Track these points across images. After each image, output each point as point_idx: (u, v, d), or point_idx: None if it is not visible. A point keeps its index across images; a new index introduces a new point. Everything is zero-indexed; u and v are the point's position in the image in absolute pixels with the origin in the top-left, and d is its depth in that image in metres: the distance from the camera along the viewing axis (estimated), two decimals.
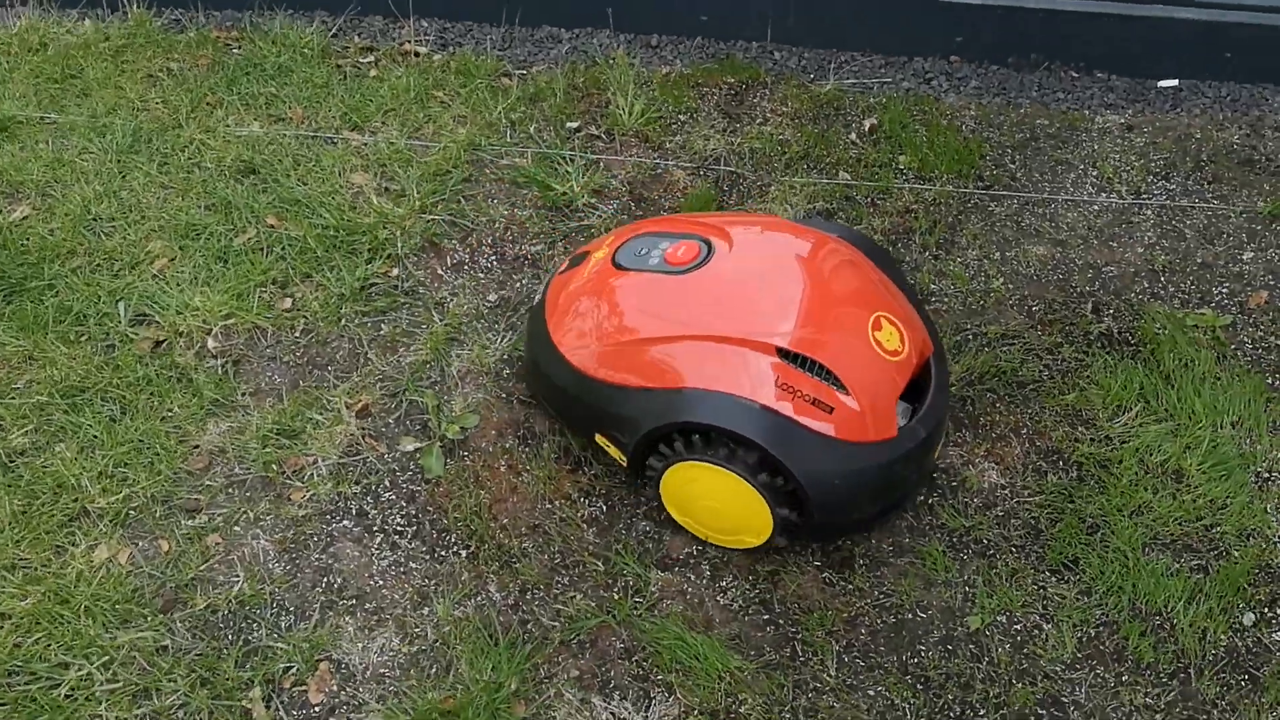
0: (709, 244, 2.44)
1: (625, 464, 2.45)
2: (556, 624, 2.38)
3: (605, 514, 2.56)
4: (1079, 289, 3.05)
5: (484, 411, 2.73)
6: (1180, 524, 2.54)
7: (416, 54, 3.71)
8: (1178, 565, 2.48)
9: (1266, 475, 2.65)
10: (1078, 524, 2.53)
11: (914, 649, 2.35)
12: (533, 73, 3.66)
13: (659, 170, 3.34)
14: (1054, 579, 2.45)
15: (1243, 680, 2.32)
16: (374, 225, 3.10)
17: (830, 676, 2.30)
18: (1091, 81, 3.77)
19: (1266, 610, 2.42)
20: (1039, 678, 2.31)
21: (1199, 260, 3.14)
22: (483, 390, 2.77)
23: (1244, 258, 3.15)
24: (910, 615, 2.39)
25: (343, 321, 2.91)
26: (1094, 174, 3.39)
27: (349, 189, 3.22)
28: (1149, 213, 3.27)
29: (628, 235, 2.58)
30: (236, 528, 2.52)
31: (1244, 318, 2.99)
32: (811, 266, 2.44)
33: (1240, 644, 2.37)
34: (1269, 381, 2.82)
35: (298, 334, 2.89)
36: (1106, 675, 2.31)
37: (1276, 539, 2.53)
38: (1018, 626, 2.39)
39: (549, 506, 2.56)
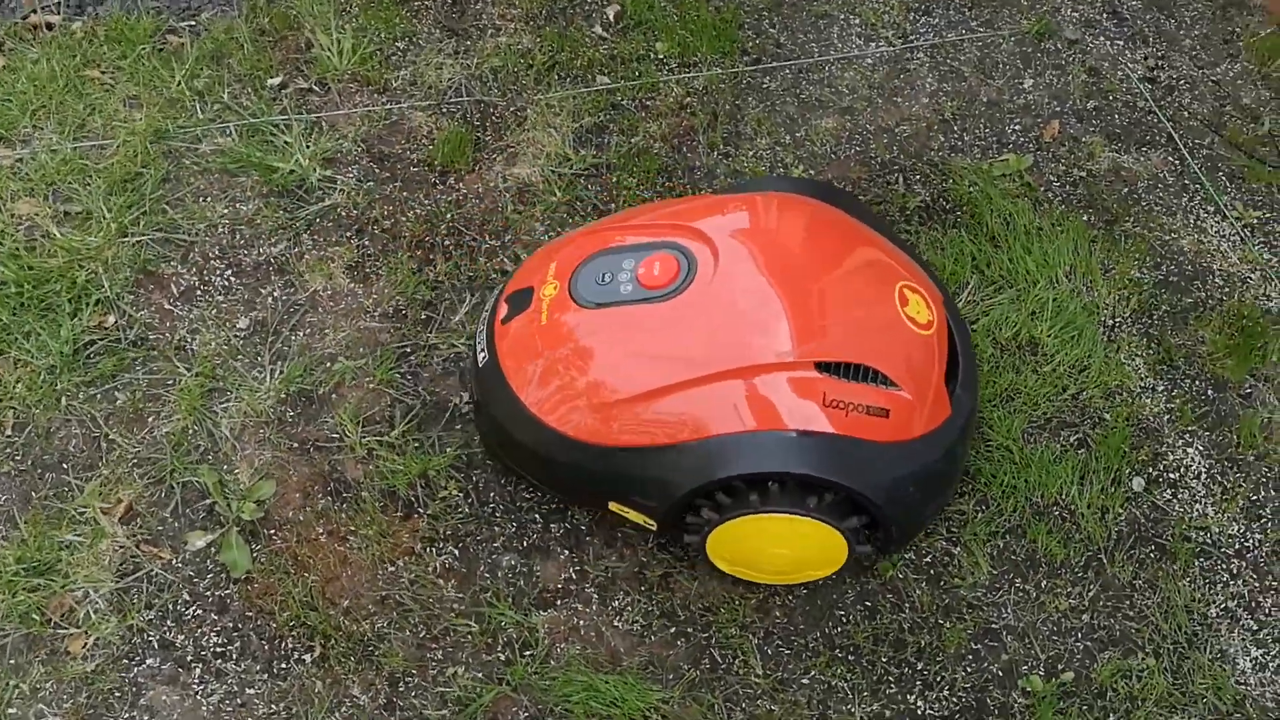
0: (684, 253, 2.00)
1: (655, 529, 2.06)
2: (444, 712, 2.02)
3: (459, 559, 2.19)
4: (880, 159, 2.83)
5: (278, 472, 2.26)
6: (1050, 400, 2.43)
7: (49, 26, 2.96)
8: (1060, 446, 2.37)
9: (1112, 323, 2.57)
10: None
11: (834, 617, 2.15)
12: (204, 22, 3.00)
13: (393, 118, 2.83)
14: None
15: (1151, 552, 2.26)
16: (65, 267, 2.48)
17: (759, 677, 2.08)
18: None
19: (1151, 470, 2.36)
20: (964, 610, 2.17)
21: (984, 99, 2.98)
22: (268, 445, 2.29)
23: (1025, 86, 3.01)
24: (819, 582, 2.19)
25: (63, 401, 2.33)
26: (857, 23, 3.14)
27: (17, 225, 2.55)
28: (922, 56, 3.07)
29: (573, 258, 2.09)
30: (11, 710, 1.99)
31: (1043, 154, 2.87)
32: (811, 250, 2.10)
33: (1139, 513, 2.31)
34: (1085, 219, 2.73)
35: (9, 431, 2.30)
36: (1027, 588, 2.20)
37: (1139, 389, 2.47)
38: (928, 559, 2.23)
39: (392, 569, 2.17)
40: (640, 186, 2.73)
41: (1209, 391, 2.47)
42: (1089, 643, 2.13)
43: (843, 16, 3.16)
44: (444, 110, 2.86)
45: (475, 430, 2.29)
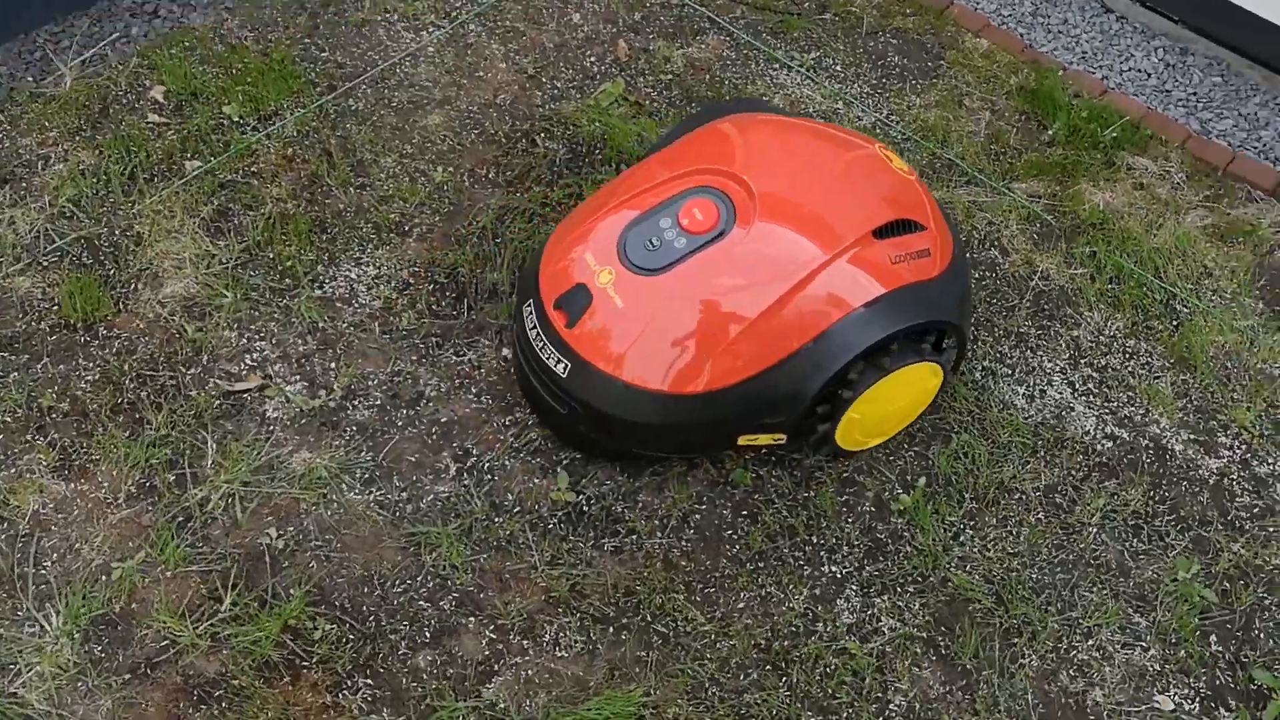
0: (710, 191, 2.10)
1: (784, 441, 2.20)
2: None
3: (376, 685, 2.01)
4: (503, 131, 2.85)
5: (129, 715, 1.92)
6: None
7: None
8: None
9: None
10: None
11: (727, 539, 2.24)
12: None
13: None
14: None
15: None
16: None
17: (705, 623, 2.13)
18: None
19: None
20: (818, 476, 2.35)
21: (551, 45, 3.08)
22: (97, 694, 1.93)
23: (576, 21, 3.16)
24: (695, 510, 2.26)
25: None
26: (397, 19, 3.10)
27: None
28: (474, 26, 3.10)
29: (607, 241, 2.11)
30: None
31: (629, 72, 3.04)
32: (803, 149, 2.27)
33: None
34: (696, 112, 2.95)
35: None
36: None
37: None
38: (764, 453, 2.37)
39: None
40: (303, 251, 2.56)
41: None
42: (918, 448, 2.40)
43: (380, 18, 3.10)
44: (44, 264, 2.47)
45: (570, 442, 2.29)
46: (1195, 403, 2.51)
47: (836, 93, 3.05)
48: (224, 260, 2.52)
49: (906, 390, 2.19)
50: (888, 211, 2.14)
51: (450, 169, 2.77)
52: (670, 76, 3.04)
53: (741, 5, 3.26)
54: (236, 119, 2.79)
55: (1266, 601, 2.22)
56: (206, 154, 2.71)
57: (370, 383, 2.38)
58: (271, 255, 2.55)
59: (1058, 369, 2.54)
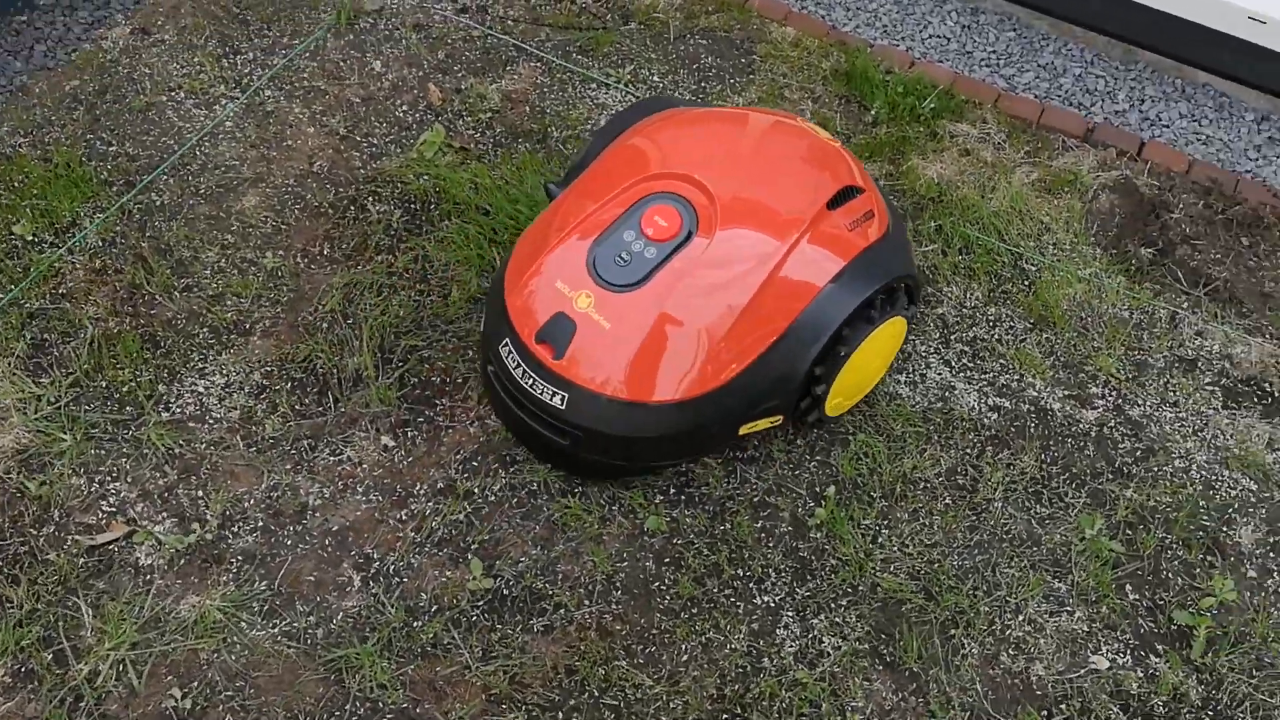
0: (668, 196, 2.10)
1: (780, 422, 2.27)
2: None
3: None
4: (329, 201, 2.69)
5: None
6: None
7: None
8: None
9: None
10: None
11: (661, 585, 2.19)
12: None
13: None
14: None
15: None
16: None
17: (654, 685, 2.07)
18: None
19: None
20: (729, 506, 2.31)
21: (357, 99, 2.93)
22: None
23: (377, 69, 3.01)
24: (618, 570, 2.19)
25: None
26: (183, 96, 2.88)
27: None
28: (271, 92, 2.91)
29: (573, 265, 2.08)
30: None
31: (447, 117, 2.92)
32: (737, 135, 2.31)
33: None
34: (527, 148, 2.86)
35: None
36: (749, 459, 2.40)
37: None
38: (673, 493, 2.32)
39: None
40: (139, 372, 2.35)
41: None
42: (820, 457, 2.39)
43: (166, 98, 2.87)
44: None
45: (574, 470, 2.27)
46: (1062, 359, 2.59)
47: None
48: (52, 400, 2.29)
49: (881, 346, 2.28)
50: (832, 182, 2.20)
51: (280, 252, 2.59)
52: (489, 114, 2.93)
53: (545, 28, 3.17)
54: (30, 238, 2.54)
55: (1168, 541, 2.32)
56: (5, 283, 2.45)
57: (246, 504, 2.21)
58: (104, 384, 2.33)
59: (932, 350, 2.57)
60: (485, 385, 2.30)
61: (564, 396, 2.04)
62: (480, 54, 3.08)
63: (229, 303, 2.49)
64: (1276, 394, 2.57)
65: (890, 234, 2.26)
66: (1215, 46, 3.14)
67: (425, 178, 2.74)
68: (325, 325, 2.46)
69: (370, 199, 2.70)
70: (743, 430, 2.20)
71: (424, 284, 2.56)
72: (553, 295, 2.07)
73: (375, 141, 2.84)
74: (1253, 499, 2.39)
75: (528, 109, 2.96)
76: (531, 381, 2.07)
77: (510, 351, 2.10)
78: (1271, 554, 2.31)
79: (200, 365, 2.39)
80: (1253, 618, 2.22)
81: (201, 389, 2.36)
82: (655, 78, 3.08)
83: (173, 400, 2.33)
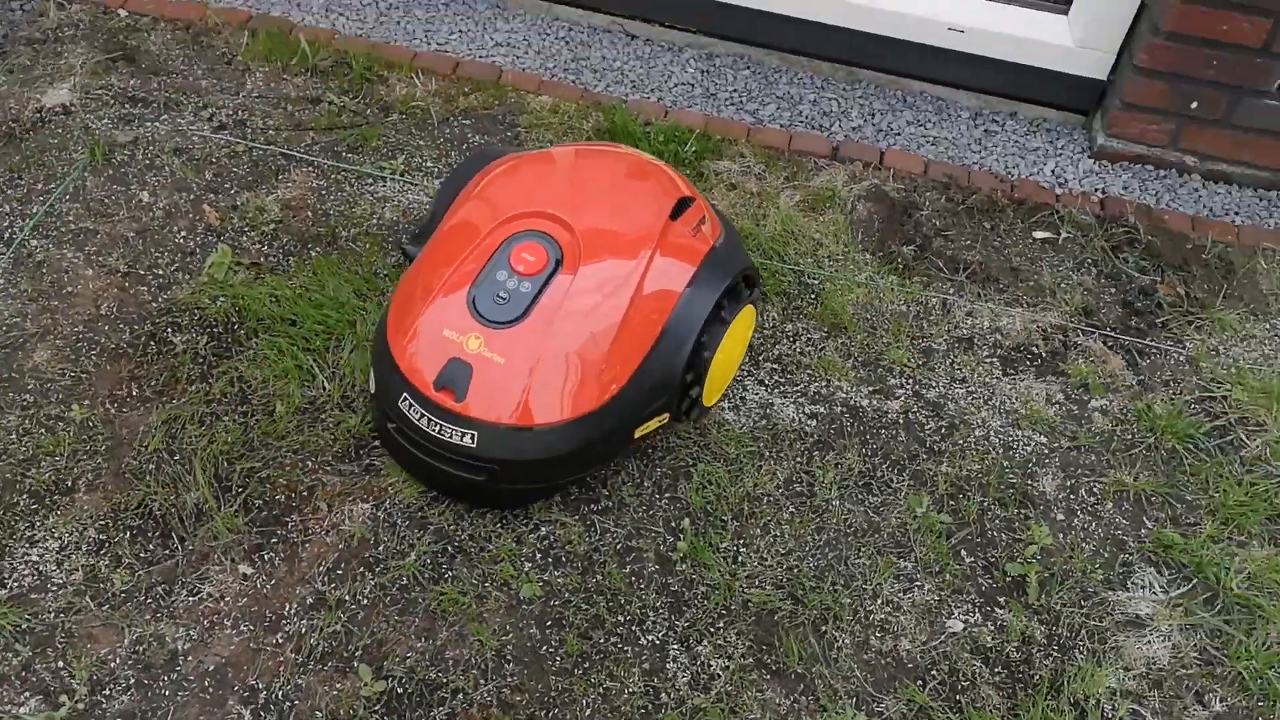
0: (529, 234, 2.29)
1: (671, 418, 2.46)
2: None
3: None
4: (130, 342, 2.62)
5: None
6: None
7: None
8: None
9: None
10: None
11: (549, 648, 2.24)
12: None
13: None
14: None
15: None
16: None
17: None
18: None
19: None
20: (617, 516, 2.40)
21: (149, 231, 2.86)
22: None
23: (149, 198, 2.95)
24: (505, 643, 2.24)
25: None
26: None
27: None
28: (49, 234, 2.81)
29: (455, 313, 2.23)
30: None
31: (233, 242, 2.89)
32: (575, 163, 2.58)
33: None
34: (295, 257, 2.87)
35: None
36: (643, 467, 2.49)
37: None
38: (536, 538, 2.39)
39: None
40: None
41: None
42: (669, 494, 2.51)
43: None
44: None
45: (489, 503, 2.40)
46: (859, 359, 2.82)
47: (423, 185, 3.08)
48: None
49: (739, 335, 2.52)
50: (668, 196, 2.45)
51: (87, 403, 2.51)
52: (273, 225, 2.92)
53: (308, 132, 3.19)
54: None
55: (985, 504, 2.56)
56: None
57: (113, 664, 2.13)
58: None
59: (746, 373, 2.75)
60: (385, 443, 2.42)
61: (473, 435, 2.20)
62: (249, 168, 3.07)
63: (44, 464, 2.39)
64: (1043, 354, 2.88)
65: (725, 235, 2.54)
66: (924, 58, 3.50)
67: (222, 299, 2.71)
68: (153, 467, 2.40)
69: (170, 330, 2.65)
70: (637, 434, 2.40)
71: (245, 405, 2.53)
72: (442, 343, 2.22)
73: (161, 273, 2.78)
74: (1045, 450, 2.68)
75: (310, 214, 2.97)
76: (439, 428, 2.21)
77: (411, 404, 2.22)
78: (1072, 495, 2.59)
79: (29, 533, 2.28)
80: (1070, 555, 2.48)
81: (35, 557, 2.25)
82: (429, 163, 3.16)
83: (7, 576, 2.22)
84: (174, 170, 3.02)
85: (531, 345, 2.21)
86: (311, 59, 3.38)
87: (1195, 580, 2.46)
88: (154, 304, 2.71)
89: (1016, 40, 3.43)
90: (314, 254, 2.86)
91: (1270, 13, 3.08)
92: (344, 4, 3.64)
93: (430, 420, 2.21)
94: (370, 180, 3.09)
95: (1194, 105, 3.29)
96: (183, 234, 2.88)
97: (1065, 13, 3.47)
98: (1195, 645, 2.36)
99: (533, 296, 2.23)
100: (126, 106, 3.17)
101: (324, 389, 2.57)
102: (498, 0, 3.72)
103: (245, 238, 2.89)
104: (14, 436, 2.43)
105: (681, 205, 2.44)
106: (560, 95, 3.42)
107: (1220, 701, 2.28)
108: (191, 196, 2.97)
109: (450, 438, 2.21)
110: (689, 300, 2.35)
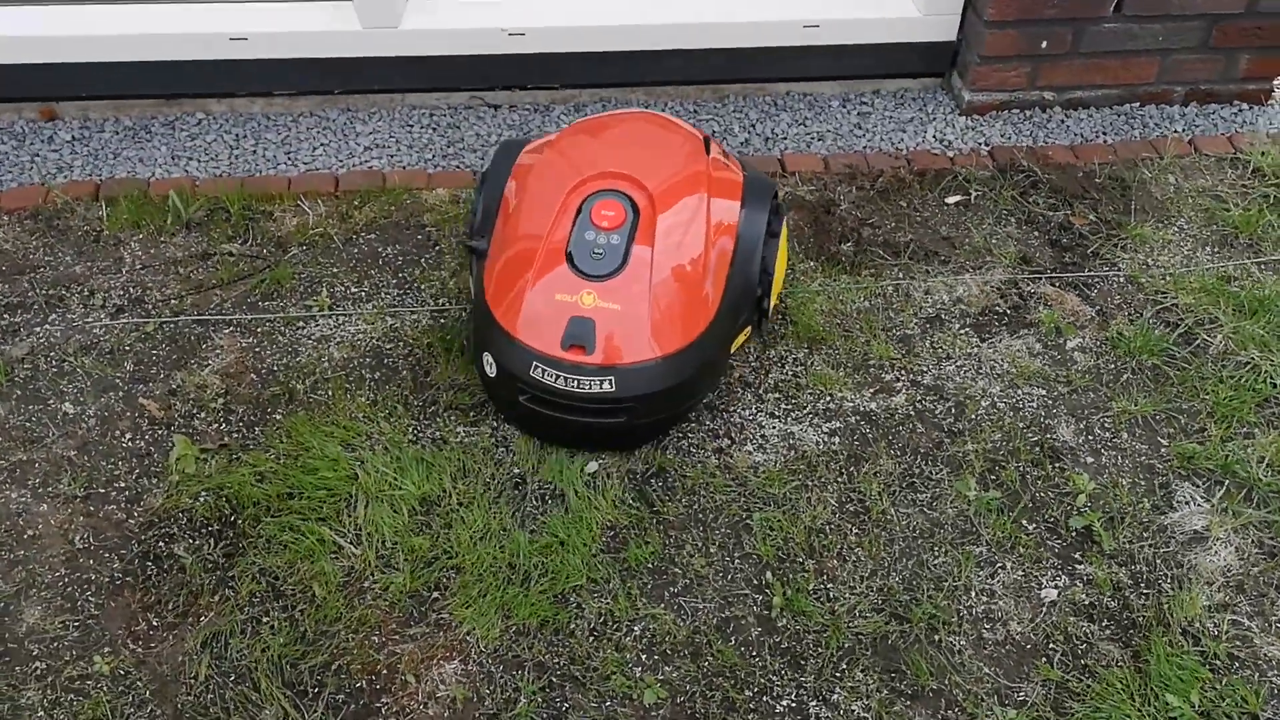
0: (600, 193, 2.51)
1: (752, 330, 2.75)
2: None
3: None
4: (123, 569, 2.37)
5: None
6: None
7: None
8: None
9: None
10: None
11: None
12: None
13: None
14: None
15: None
16: None
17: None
18: None
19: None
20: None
21: (92, 445, 2.59)
22: None
23: (70, 409, 2.68)
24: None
25: None
26: None
27: None
28: None
29: (557, 275, 2.44)
30: None
31: (186, 429, 2.66)
32: (602, 125, 2.85)
33: None
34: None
35: None
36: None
37: None
38: None
39: None
40: None
41: None
42: (737, 554, 2.47)
43: None
44: None
45: (622, 444, 2.61)
46: (848, 365, 2.85)
47: (385, 308, 2.92)
48: None
49: (783, 246, 2.76)
50: (693, 139, 2.75)
51: (107, 650, 2.25)
52: (221, 399, 2.70)
53: (213, 292, 2.96)
54: None
55: (1021, 468, 2.63)
56: None
57: None
58: None
59: (755, 410, 2.73)
60: (517, 419, 2.61)
61: (610, 379, 2.41)
62: (168, 347, 2.82)
63: None
64: (1008, 311, 2.99)
65: (743, 165, 2.83)
66: (784, 60, 3.57)
67: (204, 494, 2.49)
68: (212, 696, 2.18)
69: (163, 544, 2.41)
70: (732, 348, 2.70)
71: (281, 598, 2.33)
72: (557, 306, 2.43)
73: (123, 485, 2.53)
74: (1049, 401, 2.78)
75: (254, 377, 2.76)
76: (577, 382, 2.41)
77: (544, 369, 2.42)
78: (1091, 436, 2.70)
79: None
80: (1114, 492, 2.58)
81: None
82: (353, 288, 2.99)
83: None
84: (88, 371, 2.75)
85: (639, 287, 2.44)
86: (185, 213, 3.14)
87: (1227, 482, 2.61)
88: (132, 521, 2.46)
89: (868, 22, 3.54)
90: (278, 418, 2.66)
91: None
92: (190, 148, 3.40)
93: (567, 378, 2.40)
94: (300, 324, 2.90)
95: (1044, 45, 3.48)
96: (128, 437, 2.63)
97: None
98: (1253, 542, 2.50)
99: (625, 246, 2.45)
100: (5, 317, 2.86)
101: (355, 555, 2.40)
102: (345, 105, 3.56)
103: (197, 421, 2.66)
104: (42, 713, 2.15)
105: (707, 143, 2.73)
106: (453, 184, 3.30)
107: None
108: (120, 394, 2.71)
109: (590, 388, 2.40)
110: (747, 221, 2.61)
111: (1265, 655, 2.31)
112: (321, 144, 3.43)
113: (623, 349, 2.42)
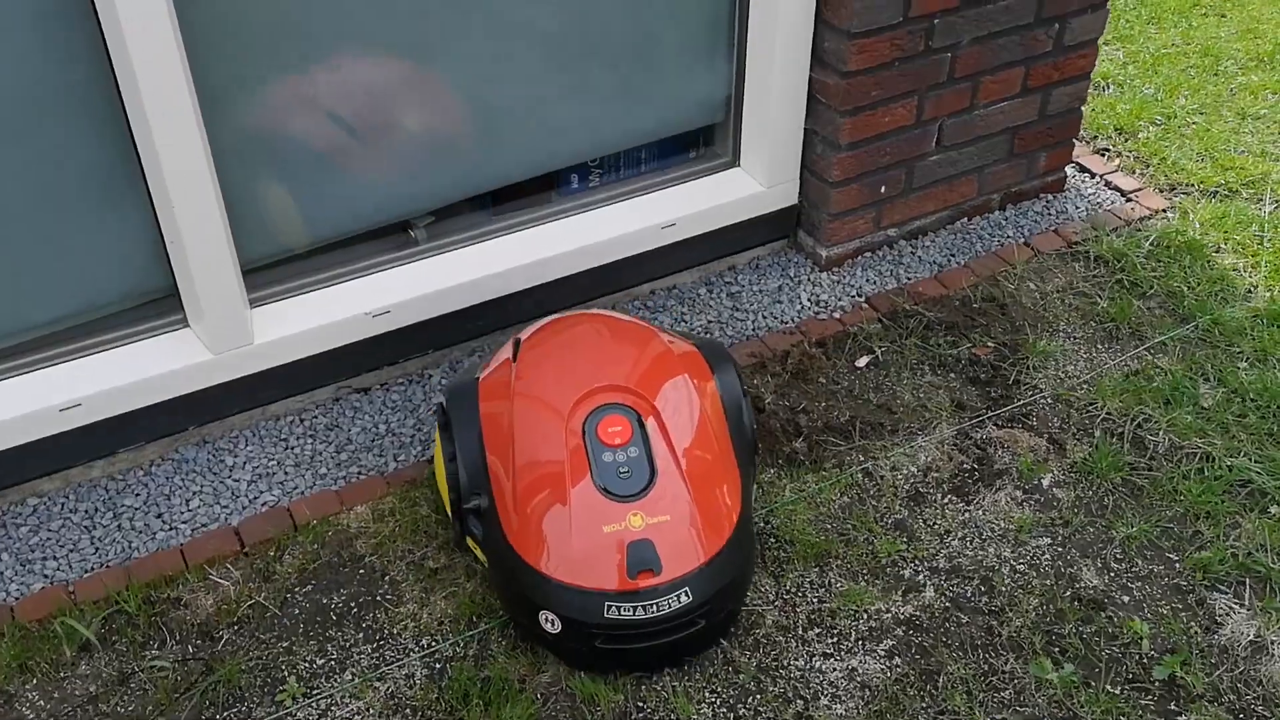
0: (598, 409, 2.47)
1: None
2: None
3: None
4: None
5: None
6: None
7: None
8: None
9: None
10: None
11: None
12: None
13: None
14: None
15: None
16: None
17: None
18: None
19: None
20: None
21: None
22: None
23: None
24: None
25: None
26: None
27: None
28: None
29: (595, 508, 2.38)
30: None
31: None
32: (558, 337, 2.74)
33: None
34: None
35: None
36: None
37: None
38: None
39: None
40: None
41: None
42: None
43: None
44: None
45: (702, 649, 2.54)
46: (863, 571, 2.76)
47: (367, 673, 2.53)
48: None
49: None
50: (642, 327, 2.79)
51: None
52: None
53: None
54: None
55: (1076, 629, 2.63)
56: None
57: None
58: None
59: (807, 662, 2.58)
60: (592, 664, 2.47)
61: (685, 590, 2.36)
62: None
63: None
64: (974, 466, 3.01)
65: (687, 336, 2.88)
66: (645, 263, 3.49)
67: None
68: None
69: None
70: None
71: None
72: (609, 539, 2.35)
73: None
74: (1058, 547, 2.81)
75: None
76: (655, 606, 2.34)
77: (619, 607, 2.33)
78: (1111, 573, 2.74)
79: None
80: (1171, 626, 2.63)
81: None
82: (319, 660, 2.58)
83: None
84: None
85: (677, 489, 2.42)
86: (80, 632, 2.61)
87: (1248, 580, 2.73)
88: None
89: (720, 208, 3.52)
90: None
91: (912, 92, 3.43)
92: (38, 545, 2.84)
93: (644, 607, 2.33)
94: None
95: (883, 189, 3.59)
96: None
97: (735, 165, 3.60)
98: None
99: (646, 455, 2.43)
100: None
101: None
102: (200, 438, 3.11)
103: None
104: None
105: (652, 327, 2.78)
106: (368, 496, 2.95)
107: None
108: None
109: (669, 608, 2.35)
110: (723, 385, 2.64)
111: None
112: (194, 492, 2.97)
113: (685, 556, 2.39)
